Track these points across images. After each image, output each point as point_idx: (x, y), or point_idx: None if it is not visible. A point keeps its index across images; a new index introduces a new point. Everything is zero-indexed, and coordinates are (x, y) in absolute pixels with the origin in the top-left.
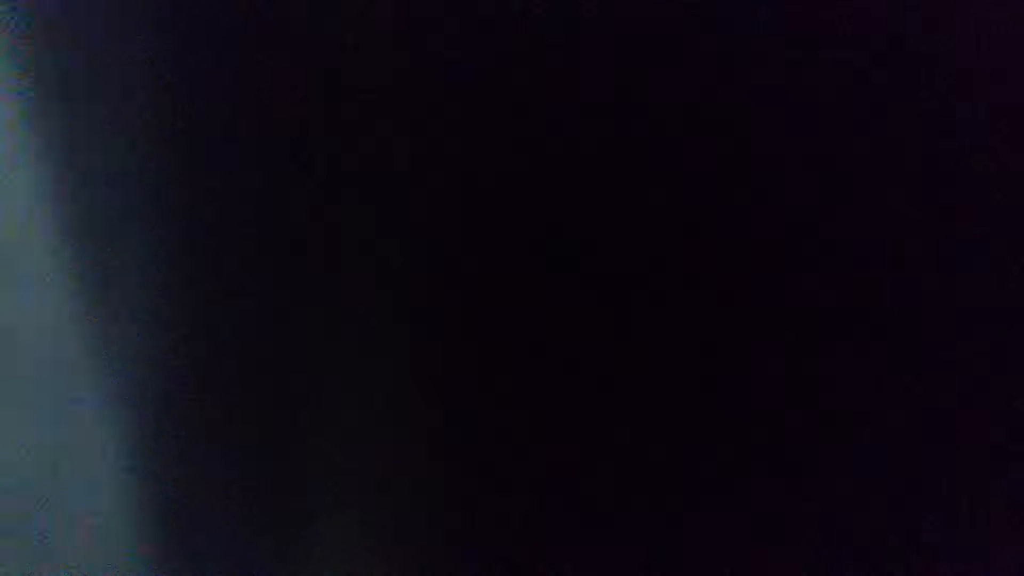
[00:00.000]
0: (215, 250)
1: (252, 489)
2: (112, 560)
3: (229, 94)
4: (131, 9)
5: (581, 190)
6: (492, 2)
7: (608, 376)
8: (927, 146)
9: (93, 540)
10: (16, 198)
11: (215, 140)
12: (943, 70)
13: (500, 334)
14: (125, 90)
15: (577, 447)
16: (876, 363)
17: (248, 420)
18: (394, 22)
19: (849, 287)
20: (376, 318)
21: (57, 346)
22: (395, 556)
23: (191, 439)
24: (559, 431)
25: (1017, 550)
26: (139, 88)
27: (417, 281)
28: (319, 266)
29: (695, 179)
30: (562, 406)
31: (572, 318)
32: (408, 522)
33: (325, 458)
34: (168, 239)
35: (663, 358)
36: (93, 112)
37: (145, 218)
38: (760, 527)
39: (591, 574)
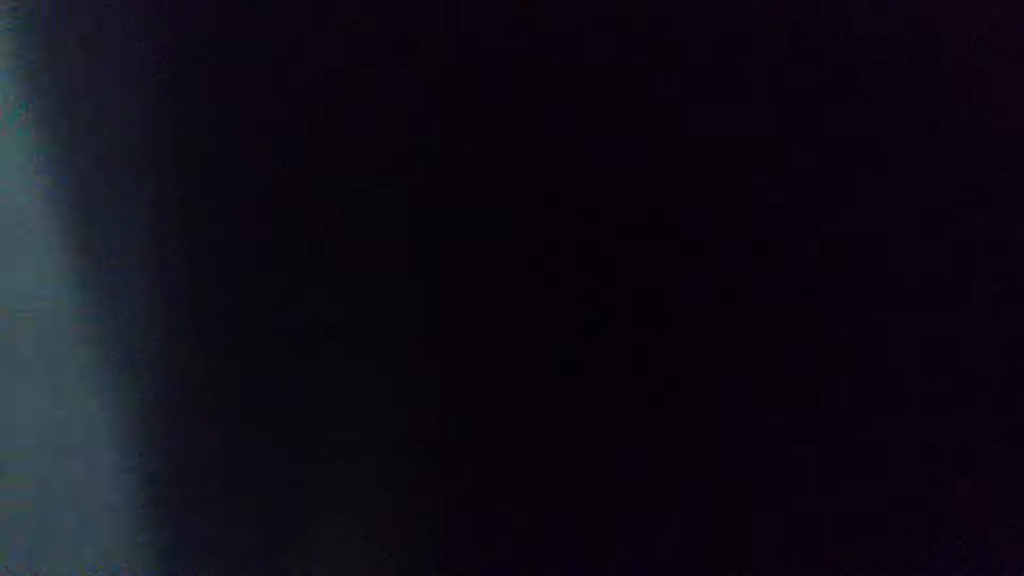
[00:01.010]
0: (217, 238)
1: (252, 477)
2: (114, 546)
3: (231, 92)
4: (132, 8)
5: (581, 191)
6: (493, 3)
7: (608, 377)
8: (926, 146)
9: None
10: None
11: (217, 134)
12: (942, 70)
13: (500, 334)
14: (129, 85)
15: (576, 447)
16: (876, 363)
17: (247, 408)
18: (394, 23)
19: (849, 287)
20: (376, 318)
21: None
22: (395, 556)
23: (191, 426)
24: (558, 432)
25: (1017, 550)
26: (143, 83)
27: (417, 281)
28: (319, 261)
29: (694, 179)
30: (562, 406)
31: (573, 319)
32: (408, 522)
33: (325, 456)
34: (169, 224)
35: (663, 359)
36: (96, 103)
37: (147, 202)
38: (760, 527)
39: (591, 574)
